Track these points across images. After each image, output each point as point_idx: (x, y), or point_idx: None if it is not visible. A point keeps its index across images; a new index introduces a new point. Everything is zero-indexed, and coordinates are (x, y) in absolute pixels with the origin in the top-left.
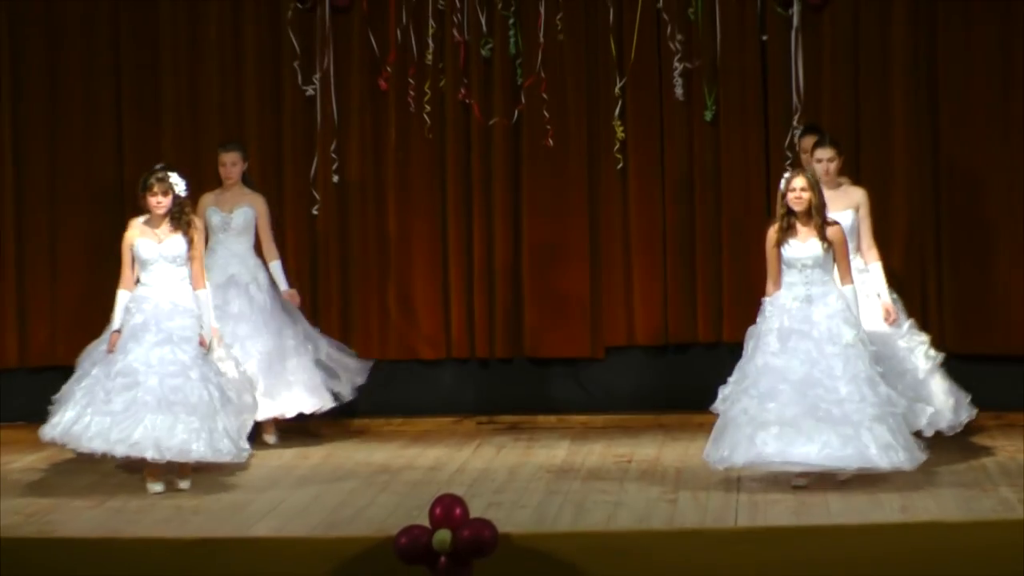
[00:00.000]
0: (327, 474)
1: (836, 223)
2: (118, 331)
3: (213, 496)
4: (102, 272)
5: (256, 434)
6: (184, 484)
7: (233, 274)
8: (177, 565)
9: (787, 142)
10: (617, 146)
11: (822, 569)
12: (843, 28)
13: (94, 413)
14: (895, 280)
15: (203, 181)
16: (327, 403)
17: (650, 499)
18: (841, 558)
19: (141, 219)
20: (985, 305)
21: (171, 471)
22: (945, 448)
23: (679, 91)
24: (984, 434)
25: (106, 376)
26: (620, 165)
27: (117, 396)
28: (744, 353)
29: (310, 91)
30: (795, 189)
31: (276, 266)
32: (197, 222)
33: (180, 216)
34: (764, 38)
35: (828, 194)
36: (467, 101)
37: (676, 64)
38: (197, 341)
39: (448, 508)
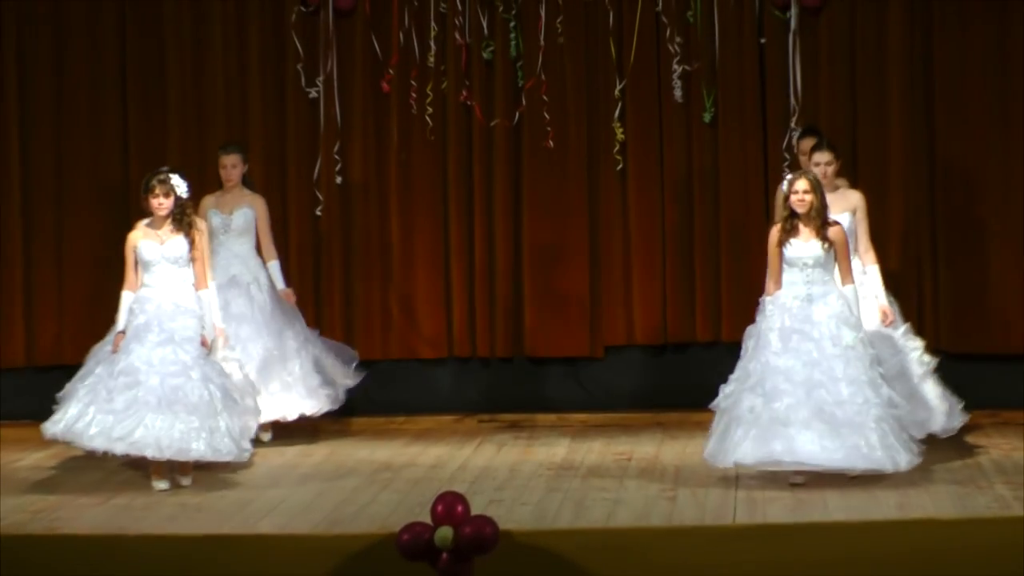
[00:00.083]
0: (330, 472)
1: (837, 223)
2: (122, 332)
3: (217, 493)
4: (108, 272)
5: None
6: (186, 481)
7: (235, 275)
8: (181, 562)
9: (785, 144)
10: (617, 147)
11: (819, 566)
12: (840, 31)
13: (96, 411)
14: (891, 280)
15: (208, 181)
16: (325, 406)
17: (649, 496)
18: (838, 555)
19: (145, 221)
20: (981, 304)
21: (174, 468)
22: (941, 446)
23: (678, 93)
24: (979, 432)
25: (109, 375)
26: (620, 166)
27: (119, 395)
28: (743, 352)
29: (313, 93)
30: (798, 191)
31: (274, 266)
32: (200, 223)
33: (182, 218)
34: (762, 41)
35: (826, 197)
36: (468, 103)
37: (675, 66)
38: (199, 341)
39: (450, 505)
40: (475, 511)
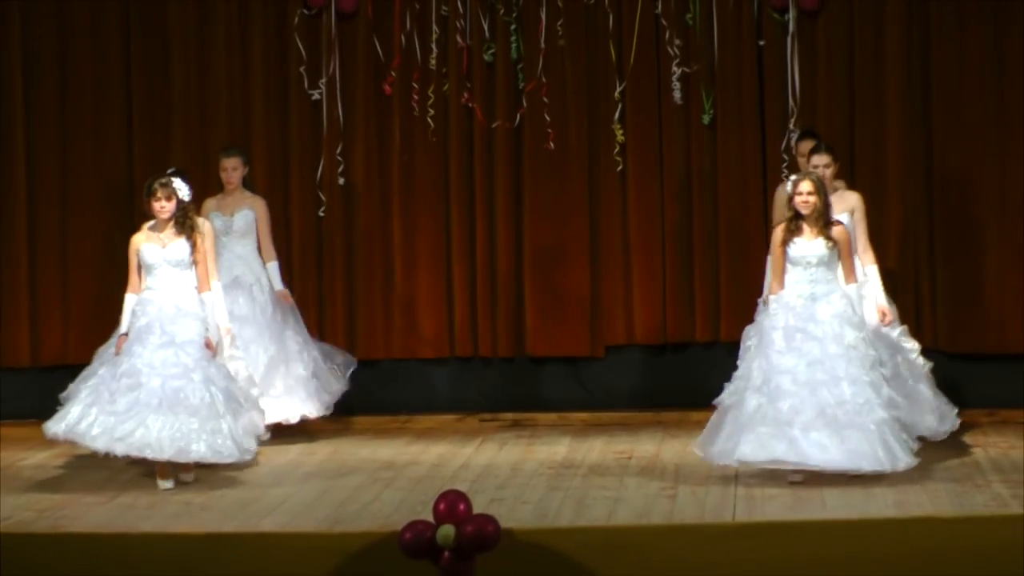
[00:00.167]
0: (332, 470)
1: (841, 223)
2: (125, 334)
3: (221, 492)
4: (113, 272)
5: None
6: (188, 477)
7: (237, 276)
8: (185, 560)
9: (783, 145)
10: (617, 149)
11: (818, 564)
12: (838, 33)
13: (98, 412)
14: (890, 280)
15: (211, 182)
16: (324, 409)
17: (649, 495)
18: (837, 553)
19: (149, 223)
20: (978, 304)
21: (177, 467)
22: (939, 445)
23: (677, 95)
24: (977, 430)
25: (112, 377)
26: (620, 167)
27: (121, 397)
28: (741, 352)
29: (316, 95)
30: (802, 193)
31: (273, 266)
32: (205, 225)
33: (184, 221)
34: (761, 43)
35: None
36: (470, 105)
37: (674, 68)
38: (201, 344)
39: (452, 504)
40: (477, 509)
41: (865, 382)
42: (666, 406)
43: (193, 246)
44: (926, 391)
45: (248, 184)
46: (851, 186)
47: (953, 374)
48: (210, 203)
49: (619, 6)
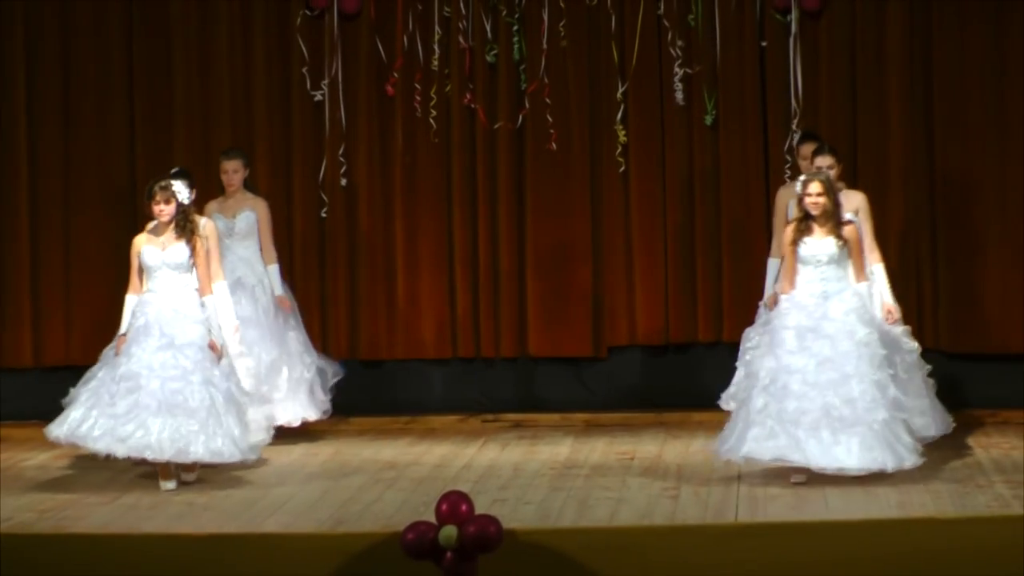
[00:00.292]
0: (335, 471)
1: (851, 222)
2: (125, 335)
3: (223, 492)
4: (115, 273)
5: None
6: (190, 477)
7: (239, 277)
8: (188, 561)
9: (786, 146)
10: (619, 150)
11: (820, 564)
12: (840, 33)
13: (99, 415)
14: (891, 281)
15: (213, 183)
16: (323, 412)
17: (652, 495)
18: (839, 553)
19: (151, 225)
20: (979, 304)
21: (182, 467)
22: (941, 445)
23: (679, 96)
24: (979, 431)
25: (111, 379)
26: (622, 168)
27: (121, 399)
28: (741, 353)
29: (319, 96)
30: (811, 194)
31: (273, 270)
32: (208, 225)
33: (185, 224)
34: (763, 44)
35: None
36: (472, 106)
37: (677, 69)
38: (200, 345)
39: (454, 504)
40: (479, 510)
41: (873, 380)
42: (668, 407)
43: (192, 249)
44: (922, 393)
45: (250, 186)
46: (853, 186)
47: (954, 374)
48: (212, 205)
49: (621, 7)
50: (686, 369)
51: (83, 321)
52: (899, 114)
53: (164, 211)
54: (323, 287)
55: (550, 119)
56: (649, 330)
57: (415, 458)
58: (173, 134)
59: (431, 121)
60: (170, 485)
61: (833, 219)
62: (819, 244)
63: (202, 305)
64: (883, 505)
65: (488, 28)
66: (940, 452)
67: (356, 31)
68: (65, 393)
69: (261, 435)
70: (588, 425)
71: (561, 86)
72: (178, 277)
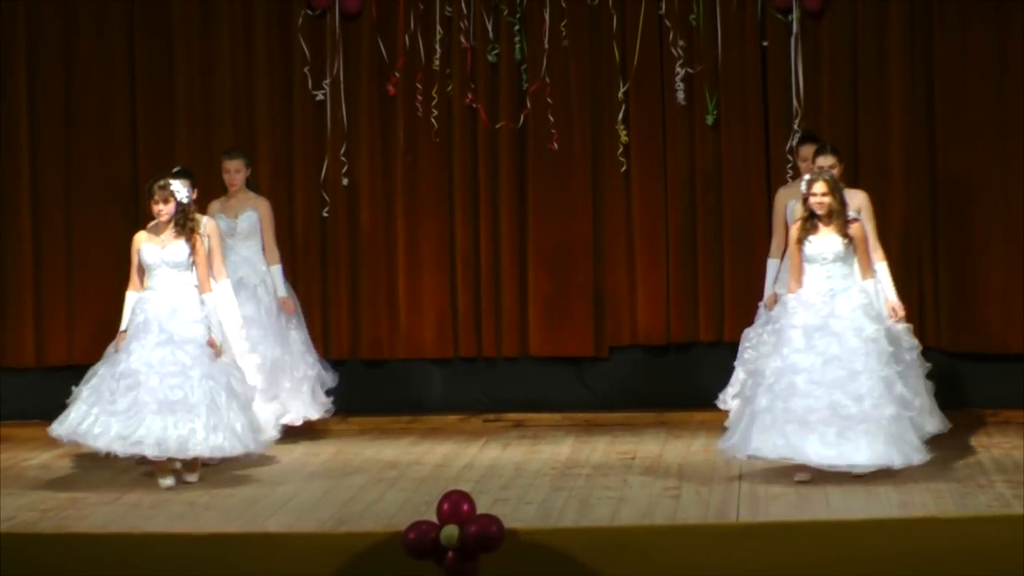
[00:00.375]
0: (337, 470)
1: (857, 220)
2: (124, 332)
3: (225, 492)
4: (117, 272)
5: None
6: (191, 477)
7: (241, 277)
8: (190, 560)
9: (788, 146)
10: (620, 149)
11: (822, 563)
12: (841, 34)
13: (100, 413)
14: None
15: (215, 183)
16: (325, 411)
17: (653, 495)
18: (840, 553)
19: (152, 223)
20: (981, 304)
21: (187, 466)
22: (942, 445)
23: (681, 96)
24: (980, 431)
25: (111, 376)
26: (623, 168)
27: (121, 397)
28: (740, 352)
29: (320, 96)
30: (816, 194)
31: (276, 270)
32: (210, 224)
33: (185, 223)
34: (764, 44)
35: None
36: (474, 106)
37: (678, 69)
38: (199, 342)
39: (455, 504)
40: (481, 510)
41: (881, 377)
42: (670, 406)
43: (192, 248)
44: (920, 391)
45: (252, 185)
46: (854, 186)
47: (956, 374)
48: (214, 205)
49: (623, 7)
50: (687, 369)
51: (85, 321)
52: (900, 114)
53: (163, 211)
54: (325, 287)
55: (551, 119)
56: (650, 330)
57: (417, 458)
58: (175, 134)
59: (433, 121)
60: (168, 482)
61: (839, 217)
62: (824, 242)
63: (202, 303)
64: (884, 504)
65: (490, 28)
66: (941, 451)
67: (358, 31)
68: (67, 393)
69: (271, 432)
70: (589, 425)
71: (562, 86)
72: (178, 275)
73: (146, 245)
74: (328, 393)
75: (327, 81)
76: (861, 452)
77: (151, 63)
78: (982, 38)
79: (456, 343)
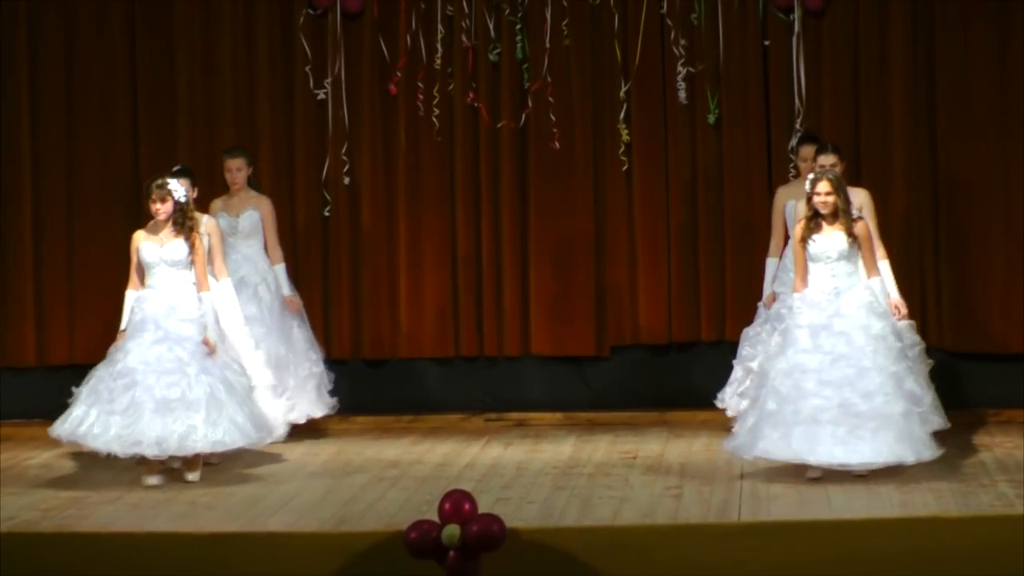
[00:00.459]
0: (338, 469)
1: (861, 218)
2: (124, 330)
3: (227, 491)
4: (119, 272)
5: None
6: (193, 476)
7: (243, 276)
8: (192, 560)
9: (790, 146)
10: (622, 149)
11: (823, 563)
12: (843, 33)
13: (99, 413)
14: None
15: (217, 182)
16: (330, 408)
17: (655, 494)
18: (842, 552)
19: (152, 222)
20: (983, 303)
21: (183, 465)
22: (944, 445)
23: (683, 95)
24: (982, 430)
25: (109, 376)
26: (625, 167)
27: (119, 397)
28: (739, 351)
29: (321, 95)
30: (820, 193)
31: (280, 269)
32: (210, 223)
33: (183, 221)
34: (766, 43)
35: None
36: (475, 105)
37: (680, 68)
38: (195, 339)
39: (457, 503)
40: (482, 509)
41: (890, 373)
42: (671, 406)
43: (191, 246)
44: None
45: (254, 184)
46: (855, 185)
47: (958, 374)
48: (216, 203)
49: (624, 6)
50: (689, 368)
51: (86, 320)
52: (902, 113)
53: (160, 210)
54: (326, 286)
55: (553, 118)
56: (652, 329)
57: (418, 457)
58: (176, 133)
59: (434, 120)
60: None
61: (845, 216)
62: (829, 241)
63: (199, 301)
64: (886, 504)
65: (491, 27)
66: (943, 451)
67: (359, 30)
68: (68, 392)
69: (280, 429)
70: (591, 424)
71: (564, 85)
72: (176, 274)
73: (145, 244)
74: (337, 384)
75: (328, 80)
76: (873, 450)
77: (152, 63)
78: (984, 38)
79: (458, 342)
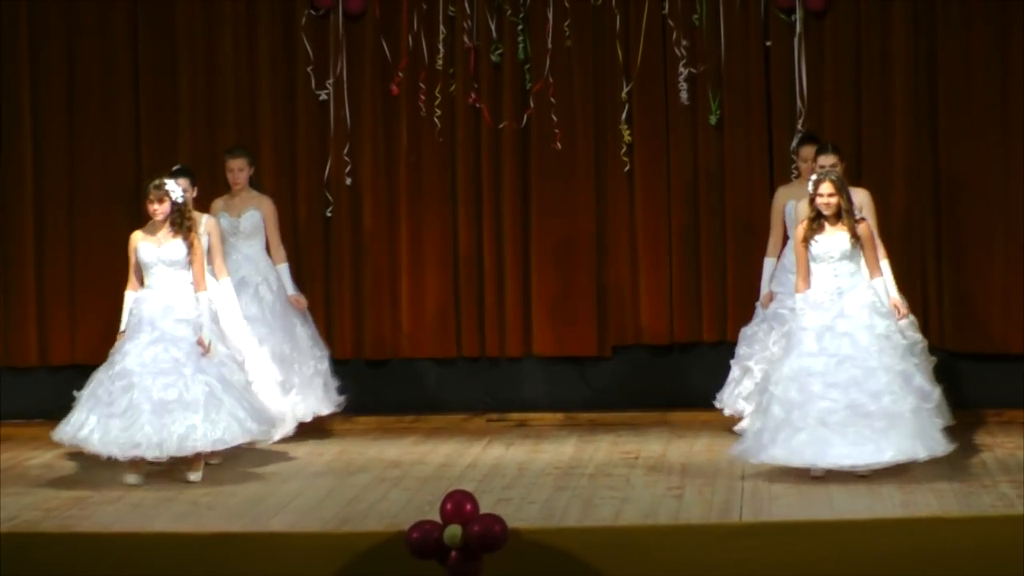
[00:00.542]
0: (340, 469)
1: (864, 219)
2: (123, 332)
3: (228, 491)
4: (121, 272)
5: None
6: (194, 476)
7: (244, 276)
8: (193, 560)
9: (791, 146)
10: (624, 149)
11: (825, 563)
12: (844, 33)
13: (98, 417)
14: (895, 280)
15: (218, 182)
16: (336, 405)
17: (656, 495)
18: (843, 553)
19: (150, 222)
20: (984, 304)
21: (184, 465)
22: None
23: (684, 95)
24: (984, 431)
25: (108, 379)
26: (627, 168)
27: (118, 399)
28: (738, 350)
29: (323, 96)
30: (823, 195)
31: (283, 269)
32: (210, 222)
33: (181, 222)
34: (767, 43)
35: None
36: (477, 105)
37: (681, 69)
38: (191, 339)
39: (459, 503)
40: (484, 509)
41: (898, 371)
42: (673, 406)
43: (190, 246)
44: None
45: (255, 184)
46: (856, 185)
47: (959, 374)
48: (218, 203)
49: (626, 7)
50: (690, 368)
51: (88, 320)
52: (903, 114)
53: (158, 210)
54: (328, 286)
55: (555, 119)
56: (654, 329)
57: (420, 457)
58: (178, 134)
59: (436, 120)
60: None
61: (848, 216)
62: (831, 241)
63: (196, 301)
64: (887, 504)
65: (493, 27)
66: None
67: (361, 31)
68: (70, 392)
69: (289, 425)
70: (592, 424)
71: (566, 85)
72: (174, 273)
73: (143, 244)
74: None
75: (330, 81)
76: (885, 449)
77: (154, 63)
78: (985, 38)
79: (459, 343)
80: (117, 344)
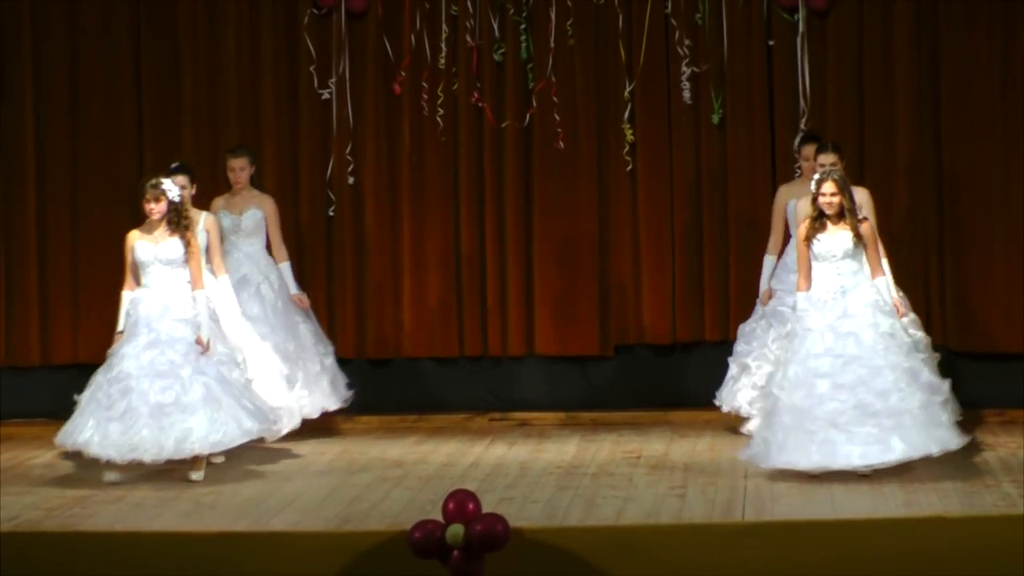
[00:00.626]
0: (342, 469)
1: (866, 219)
2: (121, 332)
3: (231, 490)
4: (123, 271)
5: None
6: (196, 476)
7: (245, 274)
8: (195, 559)
9: (794, 145)
10: (626, 148)
11: (827, 563)
12: (847, 33)
13: (99, 420)
14: (898, 279)
15: (220, 182)
16: (343, 401)
17: (658, 494)
18: (845, 552)
19: (147, 221)
20: (986, 303)
21: (185, 465)
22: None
23: (687, 95)
24: (986, 430)
25: (106, 382)
26: (629, 167)
27: (116, 402)
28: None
29: (326, 95)
30: (825, 194)
31: (285, 267)
32: (210, 221)
33: (178, 220)
34: (770, 43)
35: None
36: (479, 105)
37: (684, 68)
38: (188, 340)
39: (461, 503)
40: (486, 509)
41: (904, 368)
42: (675, 405)
43: (187, 245)
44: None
45: (257, 183)
46: (858, 184)
47: (961, 373)
48: (219, 202)
49: (629, 6)
50: (693, 368)
51: (90, 320)
52: (906, 113)
53: (154, 209)
54: (330, 286)
55: (557, 118)
56: (656, 329)
57: (422, 456)
58: (181, 133)
59: (438, 120)
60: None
61: (851, 215)
62: (833, 240)
63: (193, 300)
64: (889, 504)
65: (495, 27)
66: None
67: (363, 30)
68: (72, 392)
69: (295, 420)
70: (595, 424)
71: (568, 85)
72: (171, 272)
73: (139, 243)
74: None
75: (333, 80)
76: (896, 447)
77: (157, 63)
78: (988, 38)
79: (461, 342)
80: (115, 346)
